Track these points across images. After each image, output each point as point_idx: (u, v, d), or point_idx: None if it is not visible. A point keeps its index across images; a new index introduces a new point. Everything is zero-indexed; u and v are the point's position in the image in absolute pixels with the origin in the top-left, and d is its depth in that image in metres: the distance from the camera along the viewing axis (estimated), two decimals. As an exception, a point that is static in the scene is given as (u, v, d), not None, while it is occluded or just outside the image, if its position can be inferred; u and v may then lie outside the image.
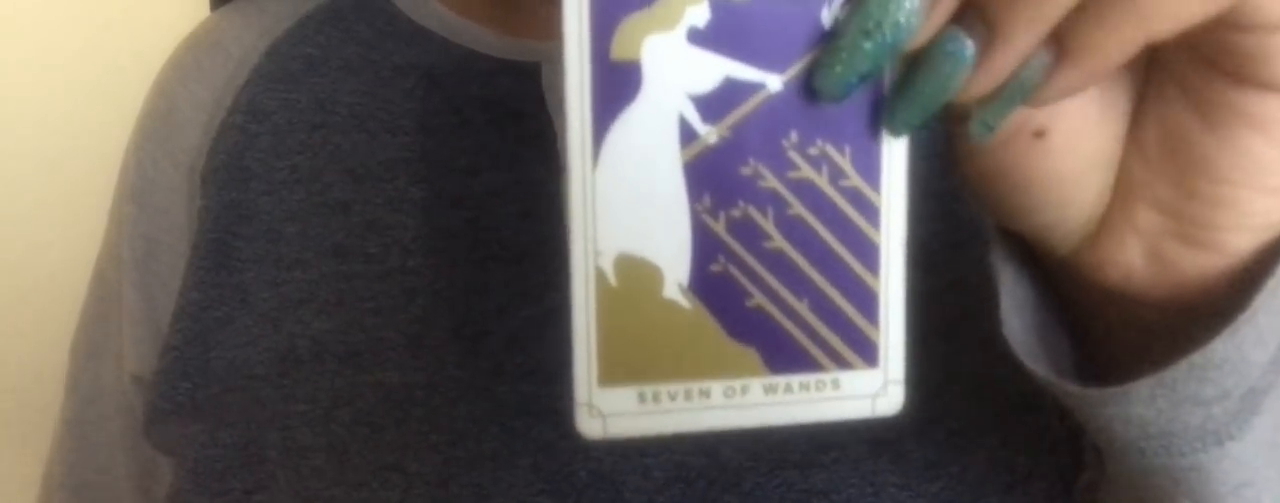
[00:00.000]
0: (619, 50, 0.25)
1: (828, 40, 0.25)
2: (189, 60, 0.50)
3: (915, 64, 0.25)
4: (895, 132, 0.26)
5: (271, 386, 0.42)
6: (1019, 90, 0.24)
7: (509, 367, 0.41)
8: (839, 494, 0.39)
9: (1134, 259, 0.28)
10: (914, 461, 0.39)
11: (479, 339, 0.41)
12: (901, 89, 0.25)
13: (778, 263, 0.26)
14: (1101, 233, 0.29)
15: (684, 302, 0.26)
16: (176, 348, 0.44)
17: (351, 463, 0.40)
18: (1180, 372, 0.28)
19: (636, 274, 0.26)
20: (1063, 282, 0.31)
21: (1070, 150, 0.28)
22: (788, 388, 0.27)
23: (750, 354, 0.26)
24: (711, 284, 0.26)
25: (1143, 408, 0.29)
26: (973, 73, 0.24)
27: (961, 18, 0.24)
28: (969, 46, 0.24)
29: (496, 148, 0.43)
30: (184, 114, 0.48)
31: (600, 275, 0.25)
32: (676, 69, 0.25)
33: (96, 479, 0.49)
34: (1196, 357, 0.27)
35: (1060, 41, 0.24)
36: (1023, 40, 0.23)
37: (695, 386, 0.26)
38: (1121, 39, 0.23)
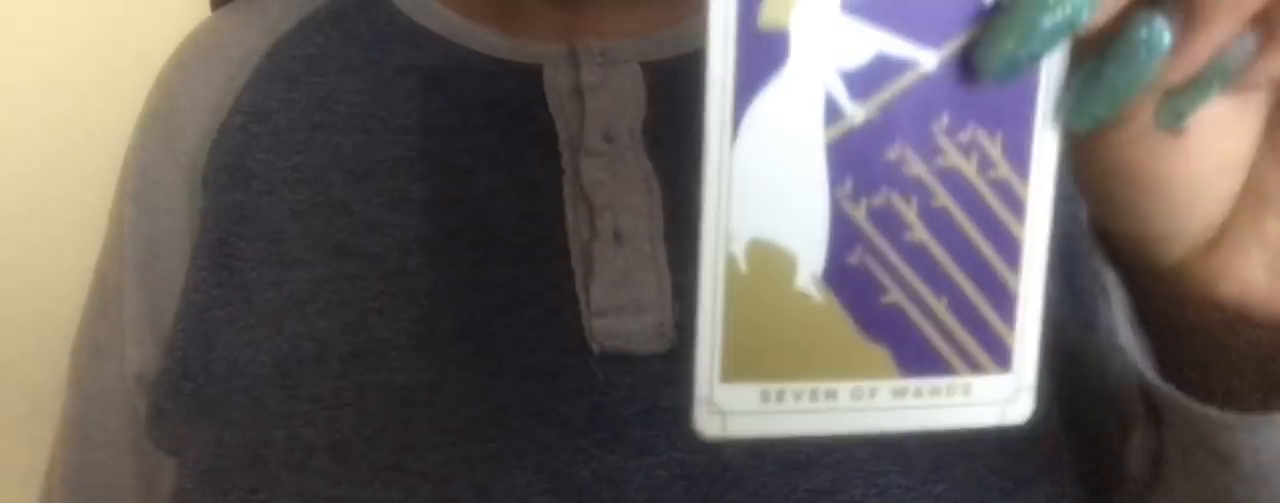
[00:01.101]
0: (768, 18, 0.23)
1: (991, 16, 0.23)
2: (190, 61, 0.49)
3: (1106, 50, 0.23)
4: (1080, 125, 0.24)
5: (274, 386, 0.42)
6: (1220, 75, 0.23)
7: (511, 367, 0.40)
8: (843, 495, 0.38)
9: (1255, 272, 0.27)
10: (918, 462, 0.38)
11: (481, 339, 0.41)
12: (1090, 77, 0.23)
13: (918, 257, 0.24)
14: (1222, 242, 0.27)
15: (817, 295, 0.24)
16: (179, 348, 0.44)
17: (354, 463, 0.40)
18: None
19: (769, 263, 0.24)
20: (1158, 294, 0.30)
21: (1204, 153, 0.26)
22: (918, 392, 0.25)
23: (882, 354, 0.24)
24: (847, 277, 0.24)
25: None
26: (1170, 59, 0.22)
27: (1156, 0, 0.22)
28: (1166, 31, 0.22)
29: (497, 148, 0.43)
30: (185, 115, 0.47)
31: (731, 262, 0.23)
32: (827, 40, 0.23)
33: (98, 479, 0.49)
34: None
35: (1269, 23, 0.22)
36: (1225, 23, 0.22)
37: (822, 386, 0.24)
38: None
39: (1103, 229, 0.29)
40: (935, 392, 0.25)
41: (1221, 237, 0.27)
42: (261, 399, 0.41)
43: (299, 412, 0.41)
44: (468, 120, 0.44)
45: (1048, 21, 0.22)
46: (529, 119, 0.43)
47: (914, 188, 0.24)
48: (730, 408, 0.24)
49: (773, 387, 0.24)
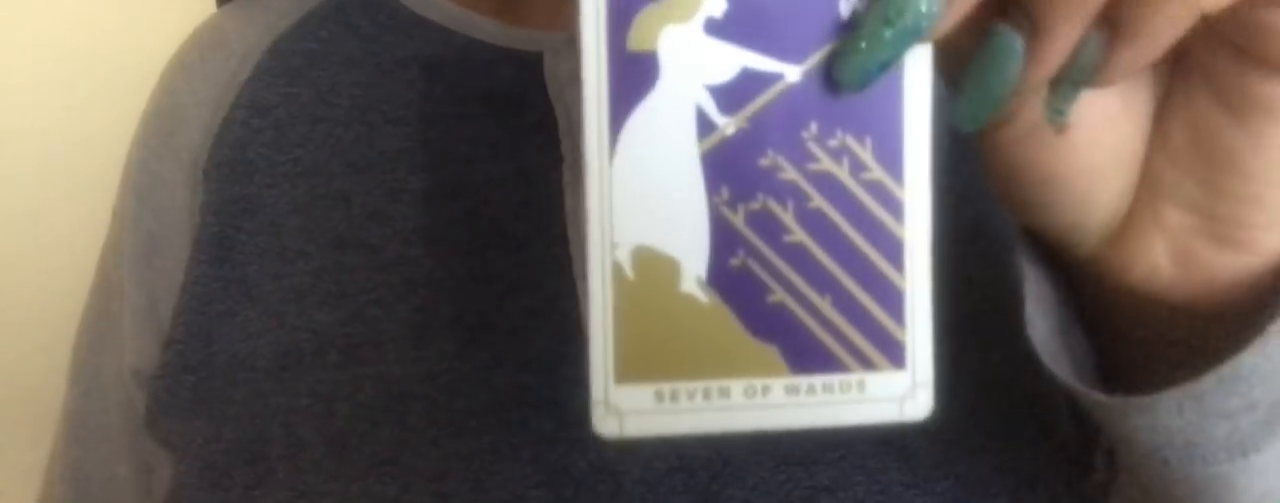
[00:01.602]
0: (636, 41, 0.25)
1: (847, 29, 0.25)
2: (193, 57, 0.50)
3: (970, 60, 0.25)
4: (965, 126, 0.25)
5: (273, 379, 0.42)
6: (1081, 73, 0.24)
7: (508, 358, 0.40)
8: (845, 493, 0.38)
9: (1160, 258, 0.28)
10: (921, 459, 0.38)
11: (479, 330, 0.41)
12: (963, 86, 0.25)
13: (799, 257, 0.26)
14: (1126, 231, 0.28)
15: (703, 296, 0.25)
16: (179, 342, 0.44)
17: (350, 458, 0.40)
18: (1208, 384, 0.27)
19: (654, 268, 0.25)
20: (1085, 283, 0.31)
21: (1092, 145, 0.27)
22: (810, 389, 0.26)
23: (771, 352, 0.26)
24: (731, 279, 0.25)
25: (1169, 419, 0.28)
26: (1025, 63, 0.24)
27: (1004, 9, 0.24)
28: (1016, 39, 0.24)
29: (497, 138, 0.43)
30: (187, 111, 0.48)
31: (617, 269, 0.25)
32: (694, 59, 0.25)
33: (98, 473, 0.49)
34: (1225, 369, 0.27)
35: (1111, 23, 0.23)
36: (1067, 28, 0.23)
37: (715, 384, 0.26)
38: (1172, 16, 0.23)
39: (1028, 229, 0.30)
40: (828, 388, 0.26)
41: (1125, 227, 0.28)
42: (260, 393, 0.42)
43: (297, 406, 0.41)
44: (467, 110, 0.44)
45: (890, 33, 0.24)
46: (528, 108, 0.43)
47: (789, 192, 0.25)
48: (626, 408, 0.25)
49: (666, 386, 0.25)
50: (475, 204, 0.43)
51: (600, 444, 0.38)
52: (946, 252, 0.38)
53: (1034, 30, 0.24)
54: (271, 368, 0.42)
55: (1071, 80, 0.25)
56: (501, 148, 0.43)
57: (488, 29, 0.46)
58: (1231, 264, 0.27)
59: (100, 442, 0.49)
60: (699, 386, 0.25)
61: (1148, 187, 0.28)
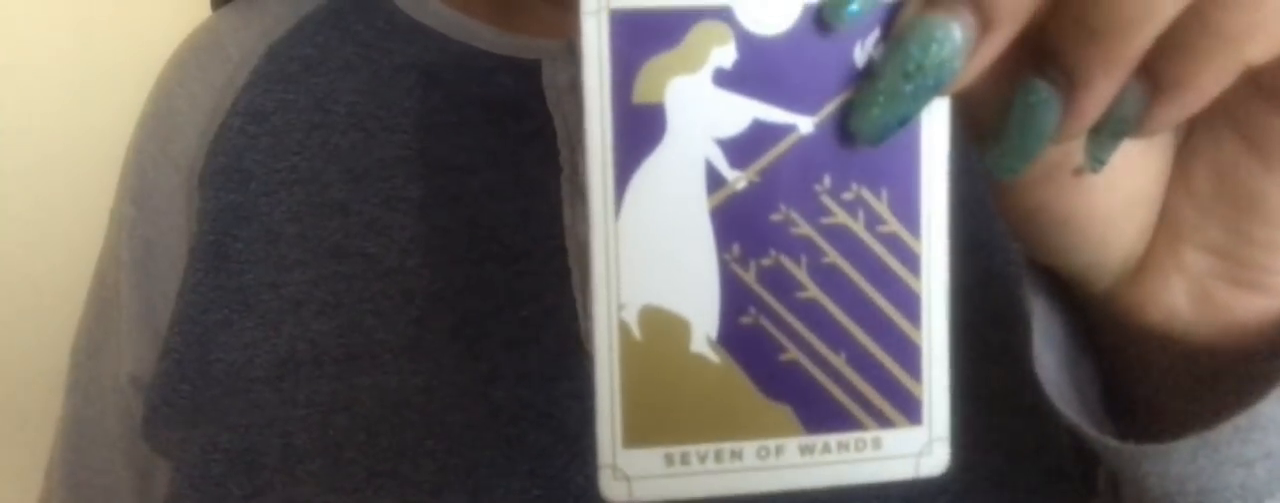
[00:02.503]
0: (642, 94, 0.23)
1: (861, 79, 0.24)
2: (189, 62, 0.49)
3: (1002, 113, 0.24)
4: (1001, 177, 0.24)
5: (270, 388, 0.41)
6: (1121, 125, 0.23)
7: (506, 370, 0.40)
8: None
9: (1178, 299, 0.27)
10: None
11: (476, 340, 0.40)
12: (1000, 139, 0.24)
13: (812, 314, 0.25)
14: (1144, 272, 0.27)
15: (713, 357, 0.24)
16: (176, 350, 0.44)
17: (347, 470, 0.39)
18: (1225, 433, 0.26)
19: (663, 328, 0.24)
20: (1098, 322, 0.30)
21: (1110, 187, 0.26)
22: (825, 448, 0.25)
23: (784, 412, 0.25)
24: (742, 338, 0.24)
25: (1183, 466, 0.27)
26: (1062, 117, 0.23)
27: (1038, 64, 0.23)
28: (1053, 97, 0.23)
29: (495, 146, 0.42)
30: (183, 116, 0.47)
31: (624, 329, 0.24)
32: (702, 112, 0.24)
33: (95, 480, 0.49)
34: (1242, 419, 0.26)
35: (1152, 76, 0.22)
36: (1105, 82, 0.22)
37: (726, 446, 0.25)
38: (1216, 69, 0.22)
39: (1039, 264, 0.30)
40: (844, 447, 0.25)
41: (1143, 267, 0.28)
42: (256, 403, 0.41)
43: (294, 416, 0.41)
44: (465, 118, 0.43)
45: (910, 87, 0.23)
46: (527, 116, 0.43)
47: (802, 247, 0.24)
48: (635, 473, 0.24)
49: (676, 450, 0.25)
50: (473, 213, 0.42)
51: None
52: (959, 300, 0.38)
53: (1071, 84, 0.23)
54: (268, 377, 0.42)
55: (1110, 131, 0.24)
56: (500, 156, 0.42)
57: (486, 36, 0.45)
58: (1251, 307, 0.27)
59: (98, 448, 0.49)
60: (710, 448, 0.25)
61: (1168, 228, 0.27)
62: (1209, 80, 0.22)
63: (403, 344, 0.41)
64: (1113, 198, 0.26)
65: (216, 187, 0.45)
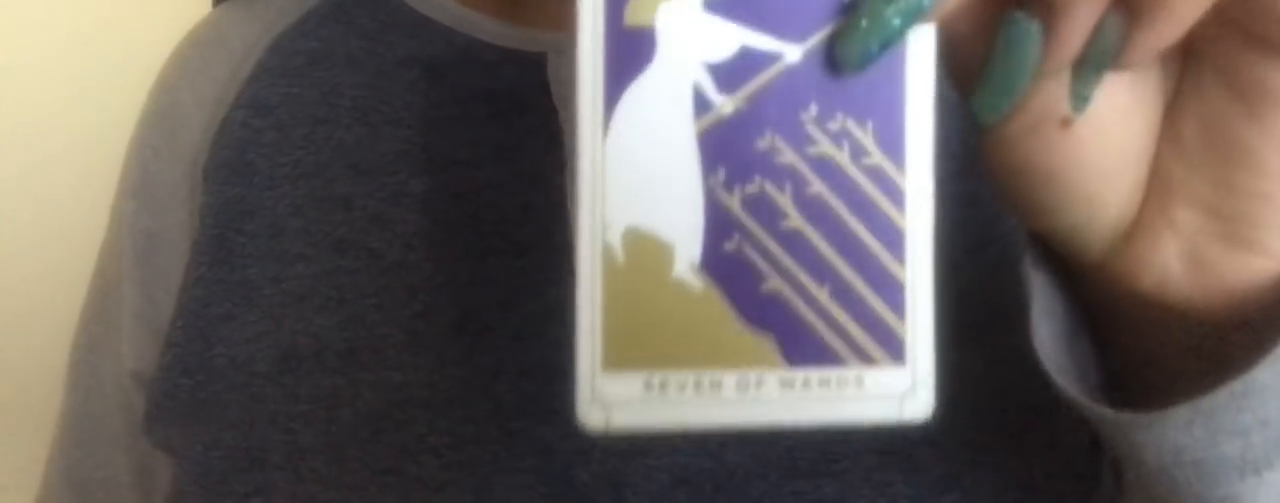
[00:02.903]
0: (633, 16, 0.24)
1: (849, 9, 0.24)
2: (192, 56, 0.50)
3: (985, 52, 0.24)
4: (986, 119, 0.25)
5: (273, 384, 0.41)
6: (1101, 57, 0.24)
7: (510, 365, 0.39)
8: None
9: (1171, 261, 0.27)
10: (927, 472, 0.37)
11: (480, 336, 0.40)
12: (982, 76, 0.24)
13: (796, 244, 0.25)
14: (1135, 233, 0.27)
15: (696, 282, 0.24)
16: (178, 345, 0.43)
17: (350, 466, 0.39)
18: (1220, 400, 0.26)
19: (646, 251, 0.24)
20: (1094, 290, 0.30)
21: (1099, 141, 0.26)
22: (806, 384, 0.25)
23: (766, 343, 0.25)
24: (725, 264, 0.24)
25: (1178, 436, 0.27)
26: (1044, 49, 0.23)
27: None
28: (1033, 27, 0.23)
29: (500, 140, 0.42)
30: (186, 110, 0.48)
31: (608, 251, 0.24)
32: (692, 37, 0.24)
33: (96, 475, 0.48)
34: (1237, 384, 0.26)
35: (1130, 4, 0.23)
36: (1083, 12, 0.23)
37: (706, 375, 0.24)
38: None
39: (1036, 234, 0.30)
40: (825, 383, 0.25)
41: (1135, 229, 0.27)
42: (259, 398, 0.41)
43: (296, 412, 0.40)
44: (469, 112, 0.43)
45: (892, 10, 0.23)
46: (531, 110, 0.42)
47: (787, 175, 0.24)
48: (613, 398, 0.24)
49: (656, 376, 0.24)
50: (477, 208, 0.42)
51: (602, 453, 0.37)
52: (955, 259, 0.38)
53: (1051, 14, 0.23)
54: (271, 372, 0.41)
55: (1092, 64, 0.24)
56: (504, 150, 0.42)
57: (490, 29, 0.45)
58: (1244, 268, 0.26)
59: (99, 444, 0.48)
60: (690, 376, 0.24)
61: (1158, 186, 0.27)
62: (1185, 6, 0.23)
63: (406, 339, 0.40)
64: (1100, 152, 0.26)
65: (219, 180, 0.45)
